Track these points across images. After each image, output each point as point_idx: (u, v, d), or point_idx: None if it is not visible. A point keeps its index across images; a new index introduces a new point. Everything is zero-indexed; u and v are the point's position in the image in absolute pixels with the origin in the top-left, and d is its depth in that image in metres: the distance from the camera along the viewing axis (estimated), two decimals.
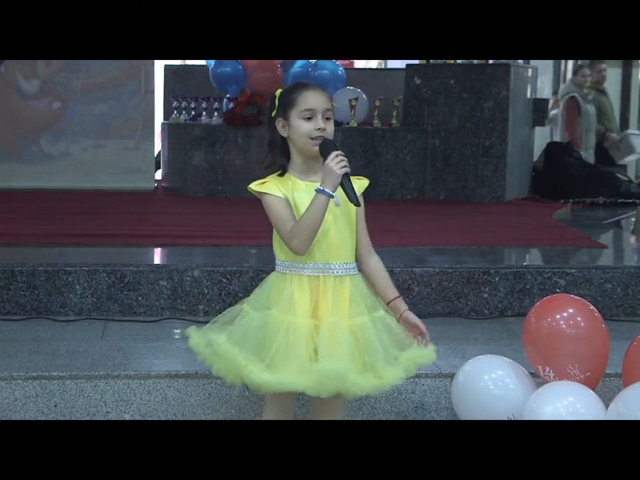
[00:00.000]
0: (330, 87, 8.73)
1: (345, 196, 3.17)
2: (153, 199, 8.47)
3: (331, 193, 3.12)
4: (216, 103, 8.79)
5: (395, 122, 8.36)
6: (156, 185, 8.97)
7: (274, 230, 3.26)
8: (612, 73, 12.86)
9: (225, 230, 6.27)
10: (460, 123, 8.22)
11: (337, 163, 3.12)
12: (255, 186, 3.22)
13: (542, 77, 11.23)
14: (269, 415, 3.33)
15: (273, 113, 3.25)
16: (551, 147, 9.62)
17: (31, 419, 3.88)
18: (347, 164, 3.14)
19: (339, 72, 8.96)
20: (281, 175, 3.24)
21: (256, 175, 3.28)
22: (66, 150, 8.79)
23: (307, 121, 3.19)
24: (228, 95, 8.81)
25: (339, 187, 3.14)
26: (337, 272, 3.21)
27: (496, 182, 8.20)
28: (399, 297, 3.34)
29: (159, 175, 9.42)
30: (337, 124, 8.22)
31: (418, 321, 3.29)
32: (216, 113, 8.68)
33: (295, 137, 3.22)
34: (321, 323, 3.14)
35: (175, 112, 8.98)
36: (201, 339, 3.23)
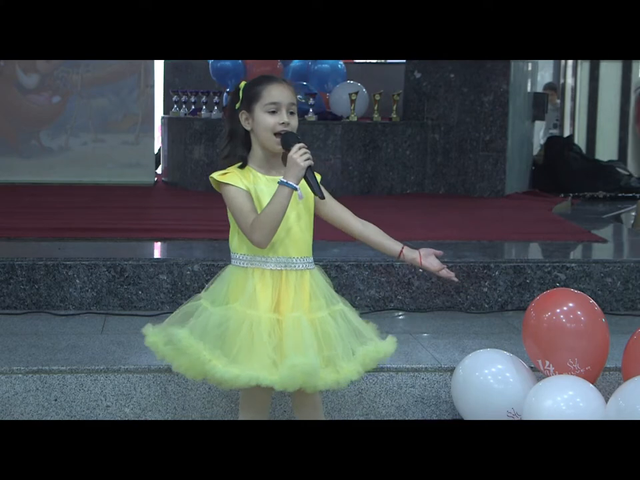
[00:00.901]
0: (330, 81, 8.76)
1: (308, 189, 3.15)
2: (153, 193, 8.46)
3: (294, 185, 3.09)
4: (216, 97, 8.77)
5: (394, 116, 8.35)
6: (156, 179, 8.97)
7: (232, 223, 3.24)
8: (612, 67, 12.87)
9: (225, 224, 6.18)
10: (460, 117, 8.22)
11: (300, 155, 3.09)
12: (217, 176, 3.19)
13: (542, 71, 11.23)
14: (246, 414, 3.28)
15: (237, 105, 3.23)
16: (551, 141, 9.62)
17: (31, 413, 3.89)
18: (310, 156, 3.12)
19: (339, 66, 8.95)
20: (242, 167, 3.22)
21: (216, 166, 3.26)
22: (65, 144, 8.78)
23: (271, 114, 3.17)
24: (228, 89, 8.80)
25: (302, 179, 3.12)
26: (299, 266, 3.20)
27: (496, 176, 8.19)
28: (404, 247, 3.32)
29: (159, 170, 9.41)
30: (337, 118, 8.27)
31: (433, 251, 3.30)
32: (216, 107, 8.67)
33: (258, 131, 3.20)
34: (282, 317, 3.13)
35: (175, 106, 8.97)
36: (159, 337, 3.22)
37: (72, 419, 3.89)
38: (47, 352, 4.15)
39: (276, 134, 3.16)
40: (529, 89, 8.76)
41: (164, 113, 9.80)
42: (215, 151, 8.18)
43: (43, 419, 3.88)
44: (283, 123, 3.16)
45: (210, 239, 5.80)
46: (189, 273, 4.99)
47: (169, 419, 3.93)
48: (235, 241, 3.24)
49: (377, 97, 8.33)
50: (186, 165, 8.40)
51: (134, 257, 5.10)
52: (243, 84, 3.26)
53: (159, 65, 9.69)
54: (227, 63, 8.72)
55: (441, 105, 8.26)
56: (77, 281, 4.94)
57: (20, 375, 3.91)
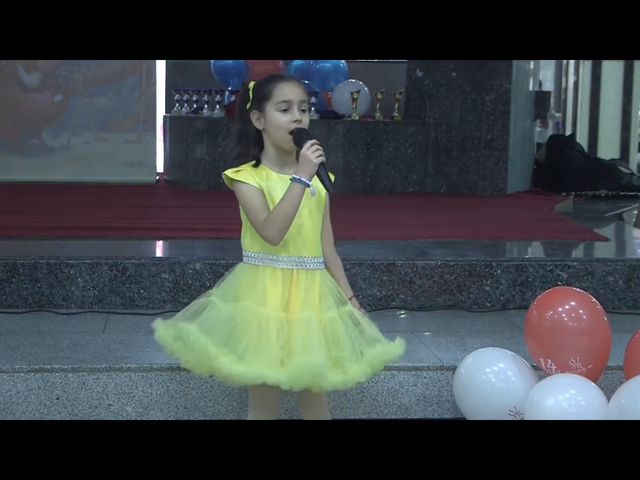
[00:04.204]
0: (332, 80, 8.76)
1: (320, 186, 3.16)
2: (155, 191, 8.47)
3: (307, 182, 3.11)
4: (217, 96, 8.78)
5: (396, 115, 8.35)
6: (158, 177, 8.97)
7: (244, 221, 3.24)
8: (613, 65, 12.86)
9: (227, 223, 6.25)
10: (462, 116, 8.21)
11: (313, 151, 3.11)
12: (230, 173, 3.20)
13: (544, 70, 11.22)
14: (255, 412, 3.27)
15: (248, 105, 3.24)
16: (553, 140, 9.62)
17: (33, 412, 3.89)
18: (323, 152, 3.13)
19: (341, 65, 8.95)
20: (255, 165, 3.23)
21: (228, 165, 3.27)
22: (67, 143, 8.78)
23: (283, 113, 3.18)
24: (229, 88, 8.80)
25: (315, 176, 3.14)
26: (310, 265, 3.21)
27: (497, 175, 8.19)
28: (353, 296, 3.35)
29: (160, 168, 9.41)
30: (339, 116, 8.27)
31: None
32: (217, 106, 8.67)
33: (271, 130, 3.21)
34: (292, 316, 3.13)
35: (177, 105, 8.97)
36: (168, 332, 3.21)
37: (74, 418, 3.89)
38: (49, 351, 4.15)
39: (289, 132, 3.17)
40: (530, 87, 8.75)
41: (166, 112, 9.80)
42: (216, 149, 8.19)
43: (45, 418, 3.89)
44: (295, 121, 3.17)
45: (212, 237, 5.81)
46: (190, 271, 4.99)
47: (171, 417, 3.94)
48: (247, 239, 3.24)
49: (379, 96, 8.33)
50: (188, 164, 8.40)
51: (136, 255, 5.10)
52: (252, 84, 3.26)
53: (160, 64, 9.68)
54: (229, 61, 8.72)
55: (442, 104, 8.26)
56: (79, 279, 4.94)
57: (22, 374, 3.91)
